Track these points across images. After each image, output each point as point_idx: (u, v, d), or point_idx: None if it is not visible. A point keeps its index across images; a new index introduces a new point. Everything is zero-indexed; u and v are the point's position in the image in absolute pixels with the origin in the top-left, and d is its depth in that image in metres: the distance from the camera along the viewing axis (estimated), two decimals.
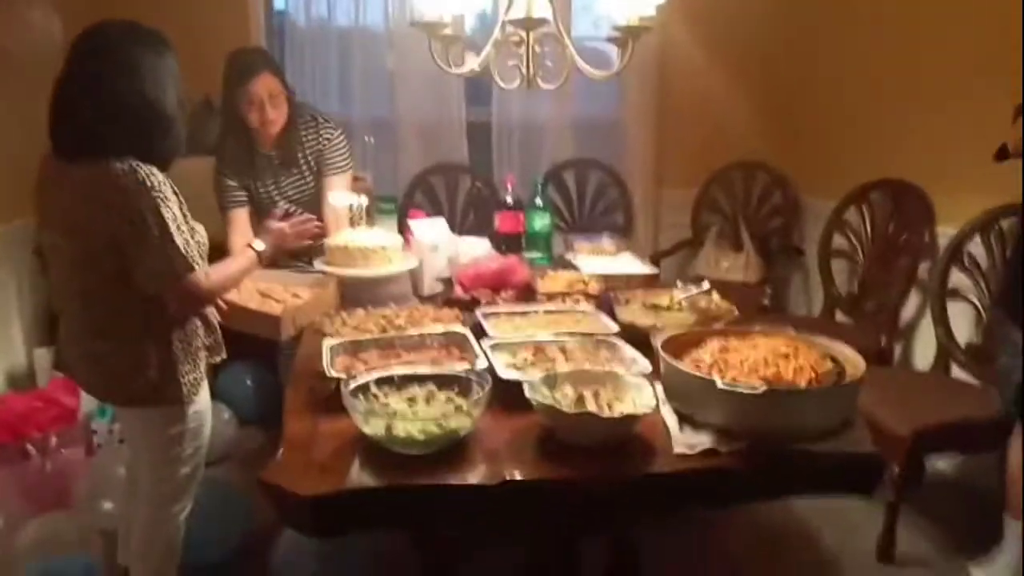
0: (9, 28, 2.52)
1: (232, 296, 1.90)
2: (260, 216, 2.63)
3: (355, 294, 1.94)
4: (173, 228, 1.57)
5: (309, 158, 2.56)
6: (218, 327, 1.84)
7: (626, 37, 1.86)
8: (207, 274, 1.66)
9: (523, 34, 1.87)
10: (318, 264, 2.12)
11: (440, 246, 2.38)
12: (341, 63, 3.61)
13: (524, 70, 1.91)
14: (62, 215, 1.61)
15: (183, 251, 1.58)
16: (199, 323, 1.76)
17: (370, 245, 2.06)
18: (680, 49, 3.68)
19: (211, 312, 1.81)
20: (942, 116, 2.84)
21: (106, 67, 1.55)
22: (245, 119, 2.42)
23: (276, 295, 2.08)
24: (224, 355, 1.86)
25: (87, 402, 2.41)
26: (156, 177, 1.56)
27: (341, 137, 2.60)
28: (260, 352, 3.31)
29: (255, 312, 1.94)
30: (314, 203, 2.58)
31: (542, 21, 1.79)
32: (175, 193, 1.63)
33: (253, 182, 2.55)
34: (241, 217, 2.56)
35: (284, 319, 1.90)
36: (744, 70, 3.79)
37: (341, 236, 2.12)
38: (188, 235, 1.63)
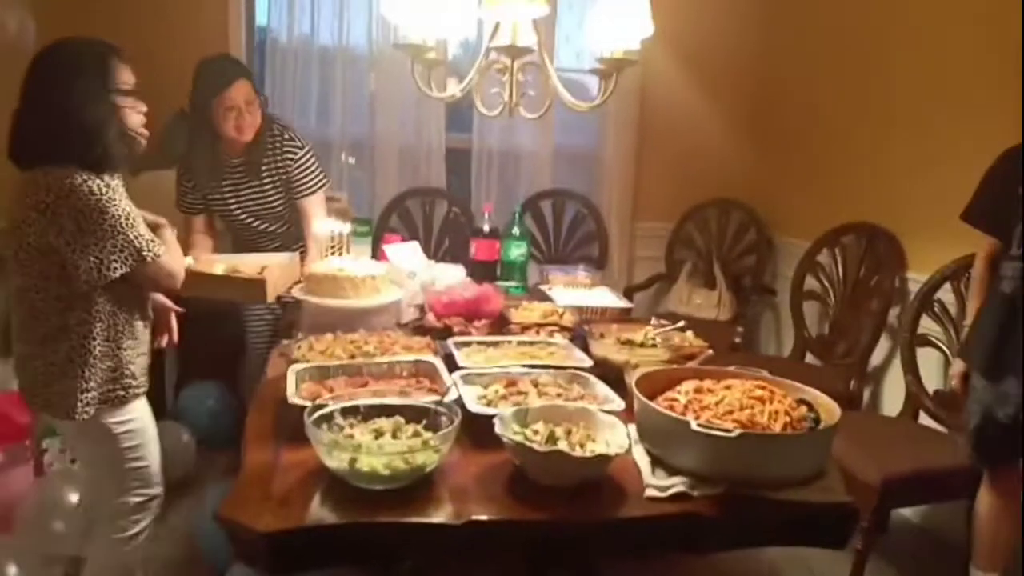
0: None
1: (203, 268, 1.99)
2: (222, 220, 2.66)
3: (342, 324, 1.88)
4: (129, 219, 1.63)
5: (274, 172, 2.52)
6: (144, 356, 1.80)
7: (609, 70, 1.85)
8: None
9: (507, 61, 1.86)
10: (298, 293, 2.07)
11: (415, 272, 2.34)
12: (322, 82, 3.58)
13: (507, 98, 1.90)
14: (8, 220, 1.65)
15: (147, 236, 1.65)
16: (126, 345, 1.73)
17: (359, 275, 2.00)
18: (661, 85, 3.72)
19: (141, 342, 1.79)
20: (916, 163, 2.88)
21: (40, 82, 1.64)
22: (218, 127, 2.40)
23: (246, 270, 2.19)
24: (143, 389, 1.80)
25: (41, 420, 2.32)
26: (96, 183, 1.59)
27: (309, 156, 2.56)
28: (221, 372, 3.26)
29: (237, 279, 2.06)
30: (274, 219, 2.62)
31: (527, 50, 1.78)
32: (127, 201, 1.67)
33: (215, 190, 2.54)
34: (198, 221, 2.60)
35: (269, 282, 2.03)
36: (723, 109, 3.84)
37: (327, 265, 2.06)
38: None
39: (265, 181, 2.53)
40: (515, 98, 1.88)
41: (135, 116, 1.71)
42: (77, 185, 1.57)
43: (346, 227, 2.23)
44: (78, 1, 3.06)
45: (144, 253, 1.65)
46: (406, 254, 2.53)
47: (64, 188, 1.56)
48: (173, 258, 1.75)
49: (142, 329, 1.79)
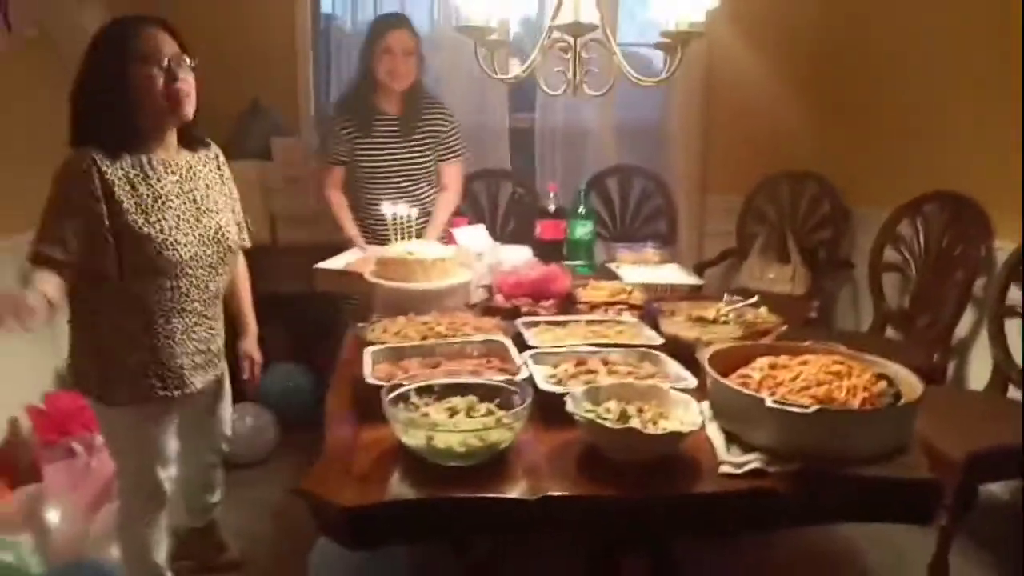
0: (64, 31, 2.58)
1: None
2: (360, 178, 2.81)
3: (413, 307, 1.92)
4: (58, 209, 1.56)
5: (426, 132, 2.78)
6: (175, 360, 1.75)
7: (675, 43, 1.82)
8: (49, 282, 1.53)
9: (570, 40, 1.84)
10: (371, 277, 2.12)
11: (483, 253, 2.37)
12: None
13: (570, 76, 1.89)
14: None
15: (54, 234, 1.54)
16: (140, 335, 1.70)
17: (429, 257, 2.04)
18: (728, 53, 3.61)
19: (171, 342, 1.75)
20: (1000, 127, 2.73)
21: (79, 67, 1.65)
22: (375, 71, 2.65)
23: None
24: (180, 392, 1.77)
25: None
26: (83, 162, 1.57)
27: (457, 123, 2.85)
28: (302, 354, 3.38)
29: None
30: (419, 178, 2.83)
31: (591, 27, 1.77)
32: (125, 183, 1.61)
33: (367, 142, 2.74)
34: (337, 174, 2.82)
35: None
36: (793, 76, 3.70)
37: (397, 249, 2.10)
38: (102, 232, 1.58)
39: (416, 139, 2.77)
40: (579, 76, 1.87)
41: (158, 85, 1.61)
42: (66, 162, 1.59)
43: (413, 211, 2.26)
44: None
45: (35, 247, 1.54)
46: (473, 236, 2.55)
47: (62, 165, 1.59)
48: (44, 287, 1.51)
49: (138, 332, 1.70)
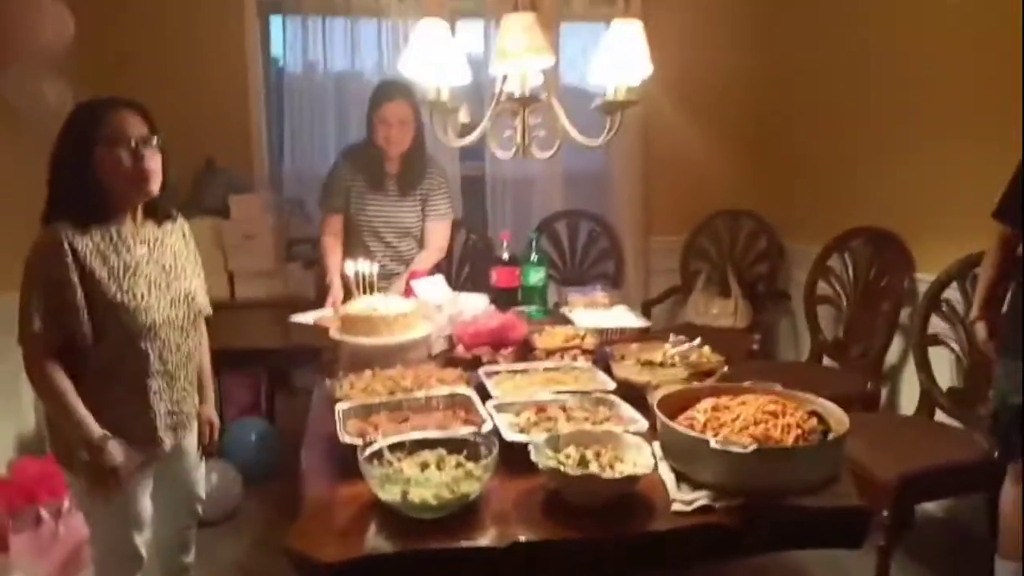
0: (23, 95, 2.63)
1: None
2: (353, 228, 2.95)
3: (378, 361, 2.02)
4: (38, 291, 1.63)
5: (417, 192, 2.95)
6: (149, 421, 1.79)
7: (613, 110, 1.97)
8: (50, 366, 1.65)
9: (518, 107, 1.98)
10: (336, 334, 2.20)
11: (442, 305, 2.47)
12: (338, 114, 3.71)
13: (518, 140, 2.02)
14: None
15: (35, 318, 1.63)
16: (115, 398, 1.74)
17: (392, 313, 2.14)
18: (663, 104, 3.83)
19: (145, 404, 1.79)
20: (919, 166, 2.97)
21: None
22: (374, 135, 2.84)
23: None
24: (154, 451, 1.82)
25: None
26: (54, 237, 1.64)
27: (446, 184, 3.01)
28: (259, 408, 3.42)
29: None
30: (403, 233, 2.98)
31: (536, 99, 1.91)
32: (96, 255, 1.68)
33: (363, 193, 2.91)
34: (334, 221, 2.94)
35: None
36: (726, 122, 3.95)
37: (361, 305, 2.19)
38: (67, 311, 1.65)
39: (409, 198, 2.94)
40: (527, 140, 2.01)
41: (125, 165, 1.68)
42: (38, 239, 1.66)
43: (374, 267, 2.36)
44: (110, 66, 3.24)
45: (20, 329, 1.64)
46: (432, 288, 2.66)
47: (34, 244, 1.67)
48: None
49: (113, 395, 1.74)
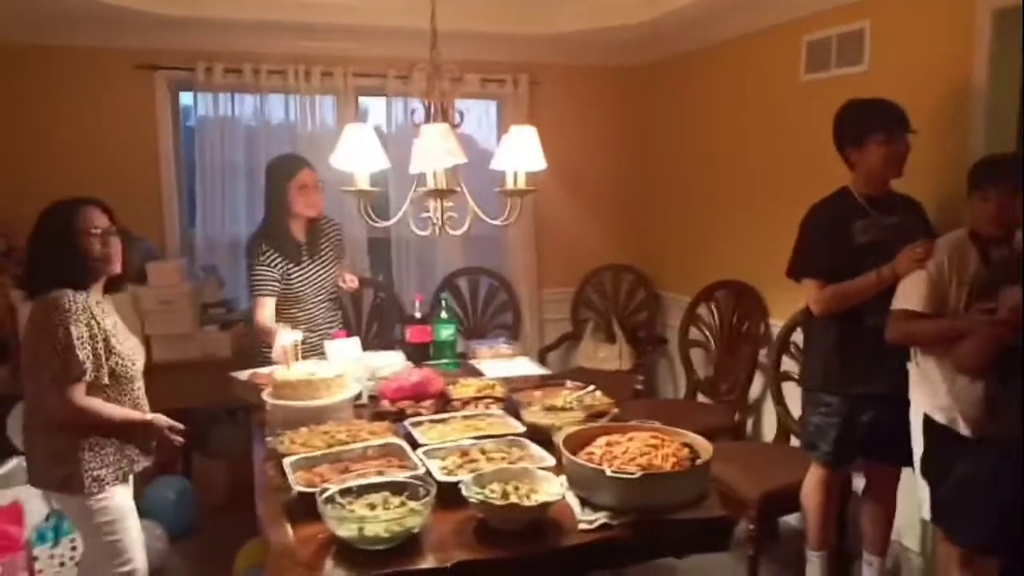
0: None
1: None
2: (287, 303, 3.06)
3: (314, 419, 2.26)
4: (73, 341, 2.00)
5: (327, 247, 3.14)
6: (135, 448, 2.22)
7: (513, 196, 2.34)
8: (86, 399, 2.06)
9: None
10: (270, 399, 2.40)
11: (361, 365, 2.72)
12: (248, 185, 3.91)
13: (434, 222, 2.35)
14: None
15: (80, 361, 2.01)
16: (116, 430, 2.14)
17: (329, 376, 2.39)
18: (551, 178, 4.27)
19: (134, 434, 2.19)
20: (766, 229, 3.51)
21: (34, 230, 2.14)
22: (292, 205, 2.98)
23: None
24: (140, 466, 2.25)
25: (29, 529, 2.55)
26: (66, 297, 2.03)
27: (339, 225, 3.26)
28: (177, 466, 3.52)
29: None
30: (329, 290, 3.17)
31: (451, 192, 2.25)
32: (92, 316, 2.08)
33: (289, 269, 3.01)
34: (271, 302, 3.00)
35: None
36: (606, 192, 4.52)
37: (298, 371, 2.42)
38: (95, 353, 2.06)
39: (321, 255, 3.12)
40: (441, 221, 2.33)
41: (95, 249, 2.11)
42: (54, 297, 2.02)
43: (299, 335, 2.62)
44: (24, 139, 3.34)
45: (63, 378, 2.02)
46: (349, 349, 2.88)
47: (42, 304, 2.03)
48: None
49: (115, 428, 2.14)
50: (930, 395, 2.26)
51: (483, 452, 2.04)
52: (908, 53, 2.83)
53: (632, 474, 1.71)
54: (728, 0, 3.40)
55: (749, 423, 3.58)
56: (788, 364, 3.26)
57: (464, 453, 2.03)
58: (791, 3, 3.29)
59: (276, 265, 2.98)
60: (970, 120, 2.61)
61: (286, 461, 1.97)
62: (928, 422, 2.27)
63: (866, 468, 2.70)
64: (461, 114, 2.30)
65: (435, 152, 2.06)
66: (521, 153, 2.25)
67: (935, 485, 2.25)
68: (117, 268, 2.18)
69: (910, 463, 2.37)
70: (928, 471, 2.28)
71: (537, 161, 2.27)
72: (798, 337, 3.22)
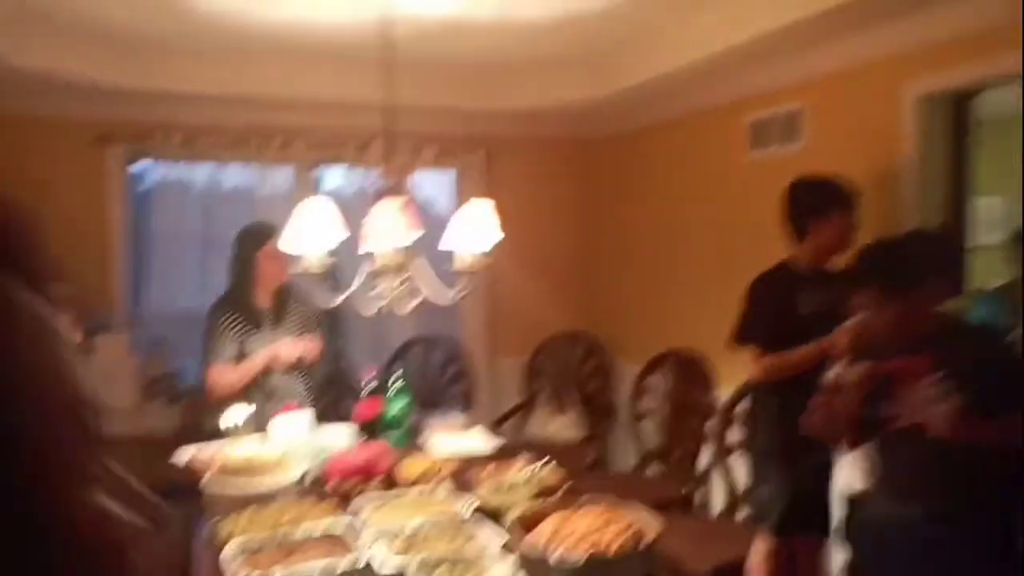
0: None
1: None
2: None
3: (255, 499, 2.22)
4: None
5: (294, 313, 3.12)
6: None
7: (467, 271, 2.38)
8: None
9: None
10: (214, 479, 2.36)
11: (308, 442, 2.69)
12: (202, 253, 3.91)
13: (382, 300, 2.38)
14: None
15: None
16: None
17: (273, 456, 2.35)
18: (506, 245, 4.34)
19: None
20: (716, 297, 3.58)
21: None
22: (261, 273, 2.99)
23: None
24: None
25: None
26: None
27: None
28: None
29: None
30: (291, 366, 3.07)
31: (402, 270, 2.29)
32: None
33: (251, 337, 2.97)
34: (227, 368, 2.95)
35: None
36: (559, 263, 4.63)
37: (242, 451, 2.39)
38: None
39: (288, 324, 3.11)
40: (389, 300, 2.36)
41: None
42: None
43: (250, 410, 2.59)
44: None
45: None
46: (299, 424, 2.84)
47: None
48: None
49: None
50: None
51: (431, 534, 2.03)
52: (841, 132, 3.01)
53: (576, 560, 1.72)
54: (676, 80, 3.57)
55: (699, 494, 3.61)
56: (735, 435, 3.30)
57: (412, 535, 2.01)
58: (734, 84, 3.46)
59: (235, 329, 2.98)
60: (897, 195, 2.78)
61: (227, 547, 1.93)
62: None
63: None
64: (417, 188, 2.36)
65: (387, 231, 2.10)
66: (474, 230, 2.30)
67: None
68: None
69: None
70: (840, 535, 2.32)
71: (491, 238, 2.32)
72: (745, 406, 3.28)
